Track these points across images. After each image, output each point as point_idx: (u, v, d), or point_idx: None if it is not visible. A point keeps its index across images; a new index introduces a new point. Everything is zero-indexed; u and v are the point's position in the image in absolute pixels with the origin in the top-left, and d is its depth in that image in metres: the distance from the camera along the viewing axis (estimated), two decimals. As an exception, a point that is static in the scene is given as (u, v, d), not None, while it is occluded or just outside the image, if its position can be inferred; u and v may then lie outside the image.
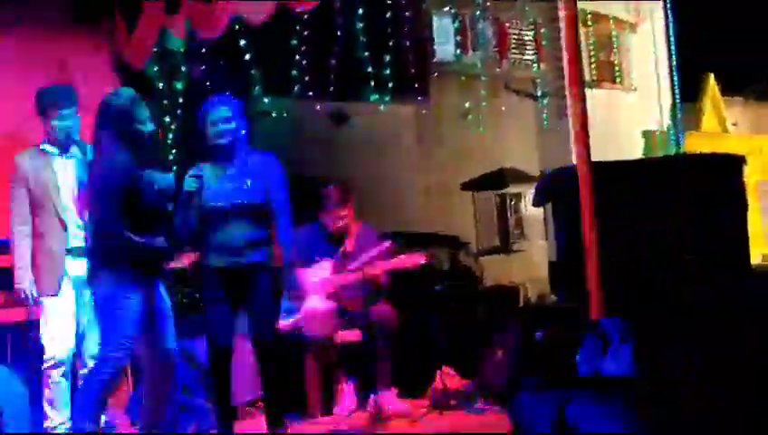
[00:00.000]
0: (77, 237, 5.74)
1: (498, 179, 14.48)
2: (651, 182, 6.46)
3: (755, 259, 12.73)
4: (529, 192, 13.91)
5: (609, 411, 4.18)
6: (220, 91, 6.97)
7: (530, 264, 14.69)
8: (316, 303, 6.61)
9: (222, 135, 5.60)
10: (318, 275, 6.65)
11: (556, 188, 6.55)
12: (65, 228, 5.76)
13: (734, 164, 6.90)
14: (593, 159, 5.87)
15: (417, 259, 6.58)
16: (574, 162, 5.94)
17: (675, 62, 16.47)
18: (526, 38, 15.15)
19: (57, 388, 5.72)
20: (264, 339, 5.59)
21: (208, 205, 5.56)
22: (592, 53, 15.70)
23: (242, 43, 9.89)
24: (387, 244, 6.53)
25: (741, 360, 5.30)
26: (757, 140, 17.50)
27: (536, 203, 7.22)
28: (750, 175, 14.84)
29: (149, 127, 5.16)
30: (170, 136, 9.54)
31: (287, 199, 5.64)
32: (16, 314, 6.31)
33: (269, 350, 5.60)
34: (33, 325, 6.09)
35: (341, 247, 6.75)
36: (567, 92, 6.15)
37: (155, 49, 8.57)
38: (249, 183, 5.59)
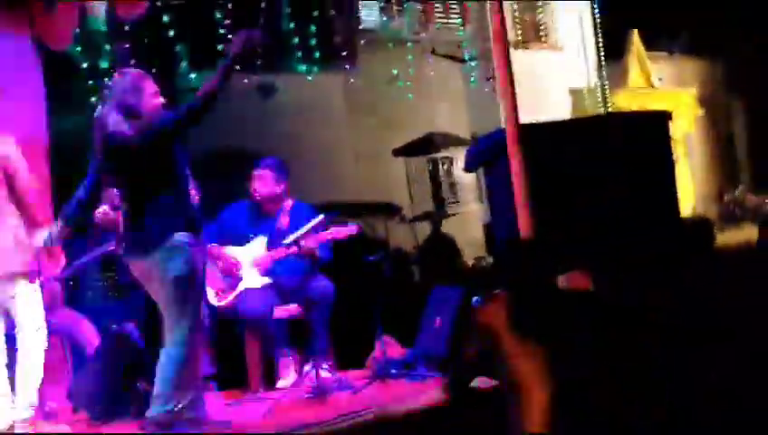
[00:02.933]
0: None
1: (429, 144, 14.51)
2: (579, 142, 6.50)
3: (686, 211, 12.92)
4: (460, 156, 13.98)
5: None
6: (144, 68, 6.92)
7: (465, 227, 14.78)
8: (252, 280, 6.62)
9: None
10: (252, 251, 6.67)
11: (486, 152, 6.58)
12: None
13: (659, 120, 6.96)
14: (522, 119, 5.91)
15: (350, 230, 6.62)
16: (503, 125, 5.97)
17: (598, 20, 16.58)
18: (451, 1, 15.14)
19: None
20: None
21: None
22: (516, 13, 15.75)
23: (165, 18, 9.81)
24: (320, 217, 6.53)
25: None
26: (683, 93, 17.70)
27: (467, 168, 7.25)
28: (677, 129, 15.04)
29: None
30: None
31: None
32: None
33: None
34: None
35: (275, 223, 6.77)
36: (493, 54, 6.16)
37: (76, 29, 8.46)
38: None
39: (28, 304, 5.70)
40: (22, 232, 5.67)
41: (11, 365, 5.75)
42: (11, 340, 5.80)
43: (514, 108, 5.86)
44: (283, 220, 6.77)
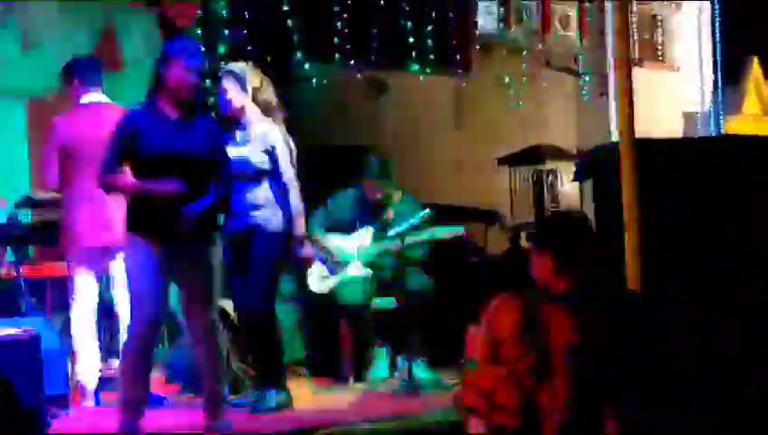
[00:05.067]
0: None
1: (535, 155, 14.42)
2: (692, 162, 6.40)
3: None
4: (565, 169, 13.87)
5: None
6: (261, 56, 7.06)
7: (564, 241, 14.65)
8: (354, 269, 6.68)
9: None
10: (358, 241, 6.73)
11: (599, 163, 6.51)
12: None
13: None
14: (634, 137, 5.84)
15: (456, 231, 6.63)
16: (613, 140, 5.92)
17: (718, 44, 16.32)
18: (569, 14, 15.05)
19: None
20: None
21: None
22: (635, 30, 15.57)
23: (285, 8, 9.93)
24: (426, 212, 6.55)
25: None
26: (799, 125, 17.31)
27: (577, 178, 7.18)
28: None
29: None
30: (211, 100, 9.58)
31: None
32: (59, 268, 6.41)
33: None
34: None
35: (382, 215, 6.82)
36: (612, 69, 6.12)
37: (199, 12, 8.64)
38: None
39: None
40: None
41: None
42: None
43: (631, 122, 5.80)
44: (390, 212, 6.81)
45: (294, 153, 5.92)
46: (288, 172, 5.78)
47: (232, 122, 5.84)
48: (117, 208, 5.66)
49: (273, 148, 5.75)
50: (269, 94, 5.89)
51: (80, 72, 6.07)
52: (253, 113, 5.81)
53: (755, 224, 6.43)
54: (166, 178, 4.90)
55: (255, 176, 5.72)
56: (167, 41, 5.42)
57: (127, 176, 5.06)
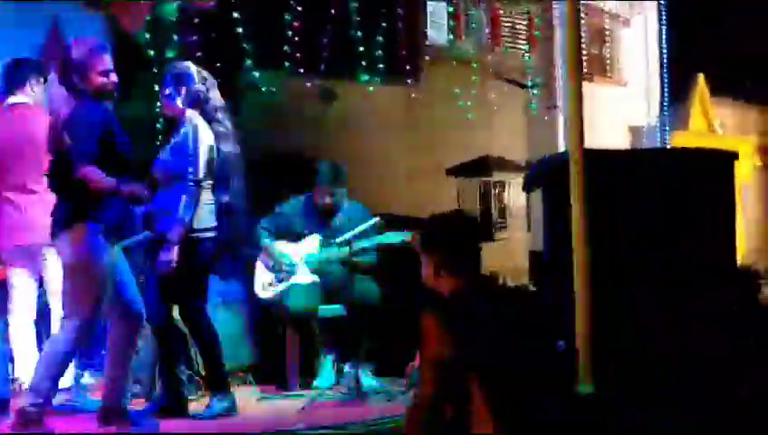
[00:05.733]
0: None
1: (483, 166, 14.47)
2: (641, 173, 6.46)
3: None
4: (513, 181, 13.94)
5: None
6: (210, 62, 7.00)
7: (509, 253, 14.70)
8: (301, 276, 6.64)
9: None
10: (305, 248, 6.70)
11: (549, 173, 6.54)
12: None
13: (726, 160, 6.89)
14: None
15: (404, 237, 6.60)
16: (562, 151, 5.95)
17: (665, 60, 16.50)
18: (519, 27, 15.13)
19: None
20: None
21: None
22: (584, 45, 15.69)
23: (235, 15, 9.88)
24: (375, 220, 6.54)
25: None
26: (743, 142, 17.53)
27: (526, 188, 7.21)
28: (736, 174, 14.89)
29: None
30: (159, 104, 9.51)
31: None
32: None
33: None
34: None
35: (330, 222, 6.79)
36: (562, 81, 6.15)
37: (148, 17, 8.57)
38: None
39: None
40: None
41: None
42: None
43: (581, 132, 5.82)
44: (339, 220, 6.80)
45: (237, 159, 5.86)
46: (195, 177, 5.59)
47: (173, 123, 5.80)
48: (38, 210, 5.66)
49: (193, 152, 5.62)
50: (212, 95, 5.82)
51: (2, 75, 6.06)
52: (190, 115, 5.72)
53: (709, 232, 6.52)
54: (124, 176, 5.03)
55: (169, 180, 5.62)
56: (70, 46, 5.31)
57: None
